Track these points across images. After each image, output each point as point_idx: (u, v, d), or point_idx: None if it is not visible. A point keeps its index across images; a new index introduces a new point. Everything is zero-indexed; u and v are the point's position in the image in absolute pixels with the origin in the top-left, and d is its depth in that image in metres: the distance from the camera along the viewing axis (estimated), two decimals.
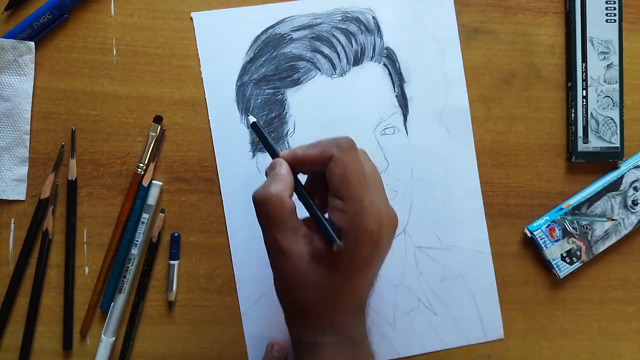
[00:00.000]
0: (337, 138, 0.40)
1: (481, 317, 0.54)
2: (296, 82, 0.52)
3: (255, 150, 0.52)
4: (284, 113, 0.52)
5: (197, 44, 0.52)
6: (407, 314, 0.53)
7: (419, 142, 0.53)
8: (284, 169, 0.40)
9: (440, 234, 0.54)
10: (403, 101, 0.54)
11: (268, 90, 0.52)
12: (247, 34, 0.52)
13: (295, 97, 0.52)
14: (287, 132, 0.52)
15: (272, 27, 0.52)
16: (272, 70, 0.52)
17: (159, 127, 0.51)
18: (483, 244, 0.54)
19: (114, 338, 0.51)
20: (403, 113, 0.54)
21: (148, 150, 0.51)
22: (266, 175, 0.41)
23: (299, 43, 0.52)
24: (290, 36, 0.52)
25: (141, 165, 0.51)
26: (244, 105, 0.52)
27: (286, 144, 0.52)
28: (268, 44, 0.52)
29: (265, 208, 0.38)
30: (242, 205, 0.52)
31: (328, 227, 0.38)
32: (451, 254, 0.54)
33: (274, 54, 0.52)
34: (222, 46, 0.52)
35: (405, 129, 0.54)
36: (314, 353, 0.40)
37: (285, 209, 0.38)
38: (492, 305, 0.54)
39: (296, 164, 0.41)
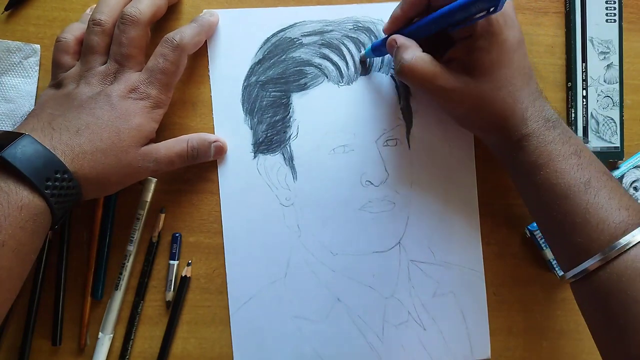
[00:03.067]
0: None
1: (470, 335, 0.54)
2: (303, 87, 0.52)
3: (256, 151, 0.52)
4: (288, 117, 0.52)
5: (207, 41, 0.52)
6: (396, 327, 0.53)
7: (421, 156, 0.53)
8: (400, 38, 0.46)
9: (434, 249, 0.54)
10: (408, 114, 0.53)
11: (274, 93, 0.52)
12: (257, 35, 0.52)
13: (300, 102, 0.52)
14: (290, 136, 0.52)
15: (283, 30, 0.52)
16: (280, 74, 0.52)
17: None
18: (477, 263, 0.54)
19: (111, 335, 0.51)
20: (407, 126, 0.53)
21: None
22: (390, 52, 0.47)
23: (308, 48, 0.52)
24: (300, 41, 0.52)
25: None
26: (249, 106, 0.52)
27: (288, 148, 0.52)
28: (278, 47, 0.52)
29: (411, 74, 0.45)
30: (240, 206, 0.52)
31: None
32: (444, 270, 0.54)
33: (283, 57, 0.52)
34: (231, 45, 0.52)
35: (408, 142, 0.53)
36: (522, 146, 0.45)
37: (427, 63, 0.44)
38: (482, 325, 0.54)
39: (405, 19, 0.47)
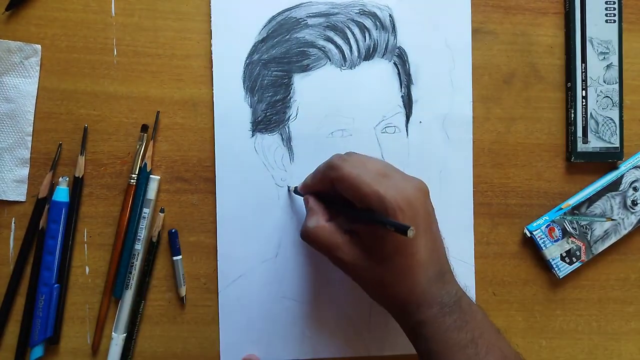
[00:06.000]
0: (329, 160, 0.46)
1: None
2: (305, 69, 0.52)
3: (255, 130, 0.52)
4: (288, 97, 0.52)
5: (212, 16, 0.52)
6: (383, 313, 0.52)
7: (418, 144, 0.54)
8: (311, 201, 0.47)
9: None
10: (408, 102, 0.54)
11: (276, 73, 0.52)
12: (262, 13, 0.52)
13: (302, 83, 0.52)
14: (289, 117, 0.52)
15: (288, 9, 0.52)
16: (283, 53, 0.52)
17: (145, 135, 0.51)
18: (468, 255, 0.54)
19: (125, 334, 0.51)
20: (406, 114, 0.54)
21: (138, 161, 0.51)
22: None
23: (313, 30, 0.52)
24: (305, 21, 0.52)
25: (133, 176, 0.51)
26: (250, 83, 0.52)
27: (286, 129, 0.52)
28: (282, 26, 0.52)
29: (313, 241, 0.45)
30: (235, 183, 0.52)
31: (393, 221, 0.40)
32: None
33: (287, 37, 0.52)
34: (236, 22, 0.52)
35: (407, 130, 0.54)
36: (419, 332, 0.43)
37: (327, 234, 0.44)
38: None
39: (313, 190, 0.48)
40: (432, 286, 0.43)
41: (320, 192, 0.47)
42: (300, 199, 0.51)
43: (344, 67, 0.53)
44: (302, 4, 0.52)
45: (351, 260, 0.44)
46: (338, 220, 0.46)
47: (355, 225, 0.45)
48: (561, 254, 0.54)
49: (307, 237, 0.45)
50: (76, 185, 0.51)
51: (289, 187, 0.52)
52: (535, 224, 0.54)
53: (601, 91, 0.55)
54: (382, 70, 0.53)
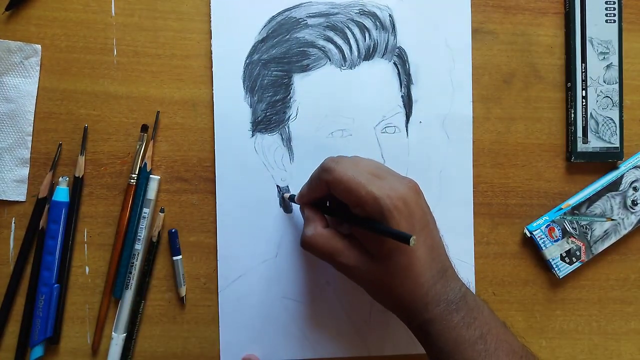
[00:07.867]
0: (322, 164, 0.45)
1: None
2: (305, 68, 0.52)
3: (255, 130, 0.52)
4: (288, 97, 0.52)
5: (212, 16, 0.52)
6: (384, 313, 0.52)
7: (418, 144, 0.54)
8: (307, 210, 0.47)
9: None
10: (408, 102, 0.54)
11: (276, 72, 0.52)
12: (262, 13, 0.52)
13: (302, 83, 0.52)
14: (289, 117, 0.52)
15: (288, 9, 0.52)
16: (283, 53, 0.52)
17: (145, 135, 0.51)
18: (468, 255, 0.54)
19: (124, 334, 0.51)
20: (406, 114, 0.54)
21: (138, 161, 0.51)
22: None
23: (313, 30, 0.52)
24: (305, 21, 0.52)
25: (133, 176, 0.51)
26: (250, 83, 0.52)
27: (286, 129, 0.52)
28: (282, 26, 0.52)
29: (312, 248, 0.45)
30: (235, 184, 0.52)
31: (394, 230, 0.40)
32: None
33: (287, 37, 0.52)
34: (235, 22, 0.52)
35: (407, 130, 0.54)
36: (427, 331, 0.43)
37: (326, 240, 0.45)
38: None
39: (310, 199, 0.47)
40: (437, 283, 0.43)
41: (317, 200, 0.47)
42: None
43: (344, 67, 0.53)
44: (302, 4, 0.52)
45: (353, 263, 0.44)
46: (335, 225, 0.46)
47: (353, 229, 0.45)
48: (561, 254, 0.54)
49: (307, 245, 0.46)
50: (76, 185, 0.51)
51: (283, 195, 0.52)
52: (535, 224, 0.54)
53: (601, 91, 0.55)
54: (382, 70, 0.53)
